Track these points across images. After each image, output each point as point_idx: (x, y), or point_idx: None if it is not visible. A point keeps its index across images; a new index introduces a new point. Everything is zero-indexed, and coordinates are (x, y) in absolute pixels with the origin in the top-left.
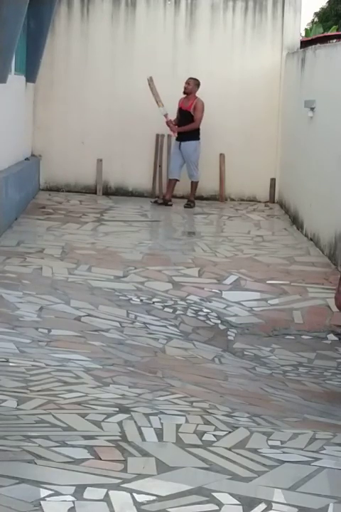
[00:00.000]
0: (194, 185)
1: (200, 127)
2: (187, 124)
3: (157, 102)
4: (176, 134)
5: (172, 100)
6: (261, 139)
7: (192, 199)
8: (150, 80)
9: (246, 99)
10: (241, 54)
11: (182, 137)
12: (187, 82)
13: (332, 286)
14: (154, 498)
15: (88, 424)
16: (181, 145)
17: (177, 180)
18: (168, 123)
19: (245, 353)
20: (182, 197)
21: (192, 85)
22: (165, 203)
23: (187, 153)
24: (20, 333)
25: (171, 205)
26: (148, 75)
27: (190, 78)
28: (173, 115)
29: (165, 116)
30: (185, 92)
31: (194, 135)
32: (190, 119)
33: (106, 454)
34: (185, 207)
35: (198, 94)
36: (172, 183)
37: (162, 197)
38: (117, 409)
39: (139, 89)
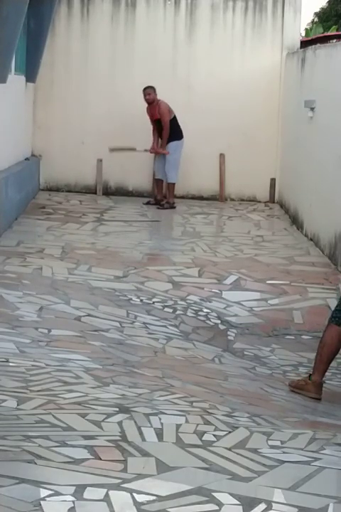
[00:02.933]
0: (170, 186)
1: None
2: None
3: (132, 150)
4: (167, 152)
5: (174, 100)
6: (261, 139)
7: (169, 200)
8: (113, 150)
9: (246, 100)
10: (241, 54)
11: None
12: (148, 93)
13: (332, 286)
14: (154, 498)
15: (88, 424)
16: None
17: (161, 179)
18: (152, 151)
19: (245, 353)
20: (182, 197)
21: (153, 94)
22: (157, 202)
23: (168, 151)
24: (20, 333)
25: (163, 204)
26: (148, 74)
27: (148, 87)
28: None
29: (147, 151)
30: (148, 102)
31: (175, 135)
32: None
33: (106, 454)
34: (156, 207)
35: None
36: (158, 183)
37: (154, 197)
38: (117, 409)
39: (139, 90)
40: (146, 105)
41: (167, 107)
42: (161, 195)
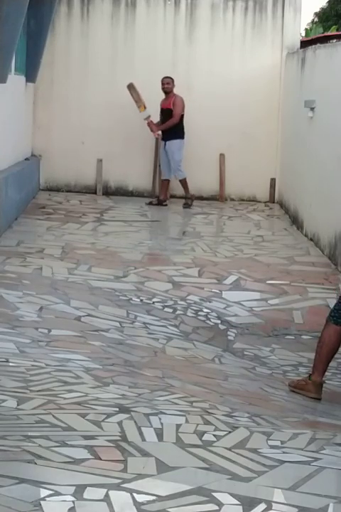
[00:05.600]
0: (183, 182)
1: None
2: (171, 122)
3: (138, 107)
4: (157, 134)
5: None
6: (261, 138)
7: (188, 196)
8: (131, 87)
9: (246, 99)
10: (241, 54)
11: (166, 136)
12: (168, 82)
13: (332, 286)
14: (154, 498)
15: (88, 424)
16: (166, 144)
17: (168, 180)
18: (148, 124)
19: (245, 353)
20: (181, 197)
21: (172, 84)
22: (160, 203)
23: (171, 151)
24: (20, 333)
25: (166, 205)
26: (148, 74)
27: (168, 77)
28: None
29: (147, 118)
30: (165, 92)
31: (177, 134)
32: (171, 116)
33: (106, 454)
34: (183, 207)
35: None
36: (164, 183)
37: (156, 198)
38: (117, 409)
39: (139, 89)
40: (162, 99)
41: (182, 102)
42: (165, 196)
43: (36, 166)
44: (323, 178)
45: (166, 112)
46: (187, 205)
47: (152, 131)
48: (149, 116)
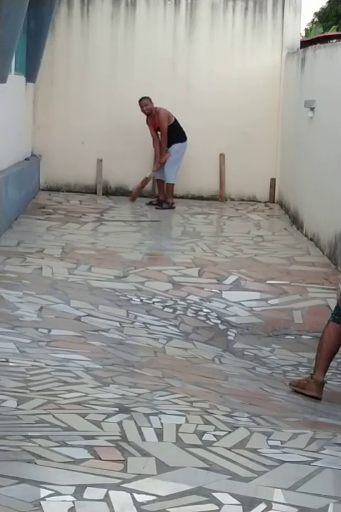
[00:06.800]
0: (168, 186)
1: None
2: (164, 138)
3: (146, 182)
4: (168, 155)
5: (174, 100)
6: (261, 139)
7: (168, 201)
8: (133, 199)
9: (246, 99)
10: (241, 54)
11: (170, 142)
12: (145, 104)
13: (332, 286)
14: (154, 498)
15: (88, 424)
16: (168, 150)
17: (162, 180)
18: (159, 166)
19: (245, 353)
20: (182, 197)
21: (150, 104)
22: (160, 203)
23: (171, 153)
24: (20, 333)
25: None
26: (148, 74)
27: (143, 98)
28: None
29: (156, 171)
30: (146, 114)
31: (178, 138)
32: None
33: (106, 454)
34: (155, 207)
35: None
36: (159, 184)
37: (156, 198)
38: (117, 409)
39: (139, 89)
40: (145, 117)
41: (166, 114)
42: (163, 196)
43: (36, 166)
44: (323, 178)
45: (158, 130)
46: (159, 206)
47: (164, 162)
48: (154, 170)
